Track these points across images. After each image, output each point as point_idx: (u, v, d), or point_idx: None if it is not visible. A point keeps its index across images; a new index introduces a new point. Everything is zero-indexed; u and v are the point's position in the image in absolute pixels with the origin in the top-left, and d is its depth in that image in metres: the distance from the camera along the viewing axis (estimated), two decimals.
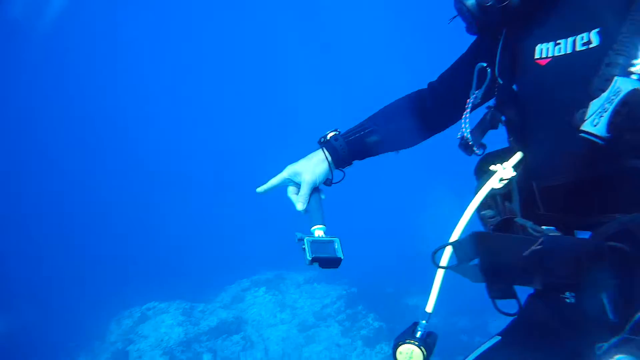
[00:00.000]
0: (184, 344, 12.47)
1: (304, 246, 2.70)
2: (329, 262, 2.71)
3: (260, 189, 3.12)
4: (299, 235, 2.77)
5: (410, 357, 2.36)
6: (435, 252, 2.38)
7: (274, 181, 3.08)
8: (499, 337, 2.61)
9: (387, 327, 12.92)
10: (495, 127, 2.56)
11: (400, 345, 2.41)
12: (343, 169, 2.97)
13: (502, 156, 2.44)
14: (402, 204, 25.88)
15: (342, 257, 2.69)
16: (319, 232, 2.83)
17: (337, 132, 2.93)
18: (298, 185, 3.00)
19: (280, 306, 14.34)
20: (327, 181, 2.99)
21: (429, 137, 3.09)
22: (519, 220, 2.25)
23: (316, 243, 2.71)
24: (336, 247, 2.73)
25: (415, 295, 15.32)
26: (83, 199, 29.23)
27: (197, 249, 22.10)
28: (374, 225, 18.88)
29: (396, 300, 15.09)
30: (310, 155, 2.96)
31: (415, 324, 2.50)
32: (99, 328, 14.68)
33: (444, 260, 2.39)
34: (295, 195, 3.02)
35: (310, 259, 2.64)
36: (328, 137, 2.93)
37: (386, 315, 13.48)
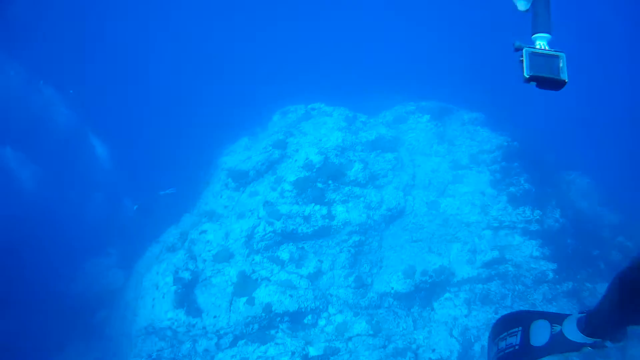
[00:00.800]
0: (339, 149, 13.08)
1: (521, 58, 2.28)
2: (549, 83, 2.26)
3: None
4: (517, 43, 2.32)
5: None
6: None
7: None
8: None
9: (536, 192, 12.51)
10: None
11: None
12: None
13: None
14: None
15: (566, 80, 2.23)
16: (541, 42, 2.34)
17: None
18: None
19: (439, 138, 14.30)
20: None
21: None
22: None
23: (537, 56, 2.26)
24: (561, 65, 2.25)
25: (573, 172, 14.73)
26: None
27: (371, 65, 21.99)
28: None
29: (554, 170, 14.45)
30: None
31: None
32: (264, 119, 15.72)
33: None
34: None
35: (527, 76, 2.24)
36: None
37: (539, 180, 12.97)
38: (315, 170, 12.46)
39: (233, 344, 10.47)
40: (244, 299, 10.74)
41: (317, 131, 13.79)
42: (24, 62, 17.89)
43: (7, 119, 16.43)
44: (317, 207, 12.05)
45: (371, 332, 10.36)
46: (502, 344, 3.52)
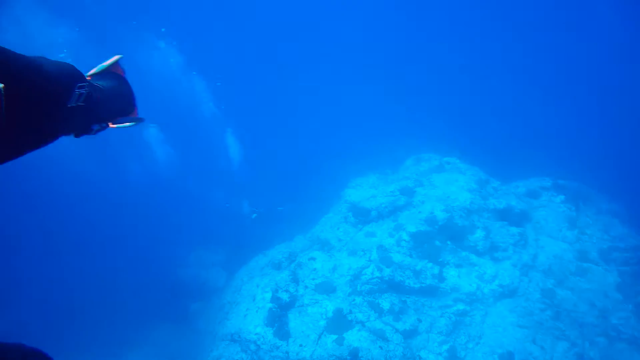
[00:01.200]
0: (465, 211, 12.67)
1: None
2: None
3: None
4: None
5: None
6: None
7: None
8: None
9: None
10: None
11: None
12: None
13: None
14: None
15: None
16: None
17: None
18: None
19: (570, 223, 13.45)
20: None
21: None
22: None
23: None
24: None
25: None
26: None
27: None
28: None
29: None
30: None
31: None
32: (397, 160, 15.56)
33: None
34: None
35: None
36: None
37: None
38: (437, 226, 12.15)
39: None
40: (333, 337, 10.58)
41: (447, 187, 13.43)
42: (183, 52, 18.91)
43: (160, 101, 17.35)
44: (430, 264, 11.71)
45: None
46: None
